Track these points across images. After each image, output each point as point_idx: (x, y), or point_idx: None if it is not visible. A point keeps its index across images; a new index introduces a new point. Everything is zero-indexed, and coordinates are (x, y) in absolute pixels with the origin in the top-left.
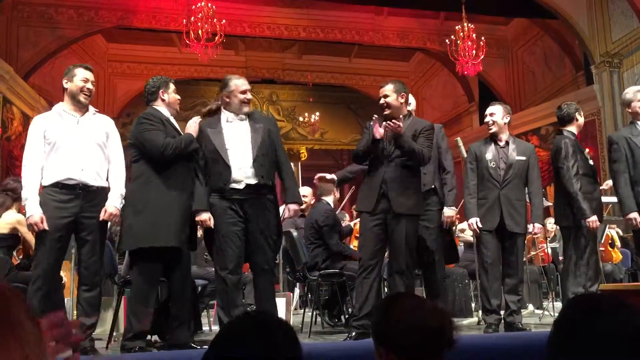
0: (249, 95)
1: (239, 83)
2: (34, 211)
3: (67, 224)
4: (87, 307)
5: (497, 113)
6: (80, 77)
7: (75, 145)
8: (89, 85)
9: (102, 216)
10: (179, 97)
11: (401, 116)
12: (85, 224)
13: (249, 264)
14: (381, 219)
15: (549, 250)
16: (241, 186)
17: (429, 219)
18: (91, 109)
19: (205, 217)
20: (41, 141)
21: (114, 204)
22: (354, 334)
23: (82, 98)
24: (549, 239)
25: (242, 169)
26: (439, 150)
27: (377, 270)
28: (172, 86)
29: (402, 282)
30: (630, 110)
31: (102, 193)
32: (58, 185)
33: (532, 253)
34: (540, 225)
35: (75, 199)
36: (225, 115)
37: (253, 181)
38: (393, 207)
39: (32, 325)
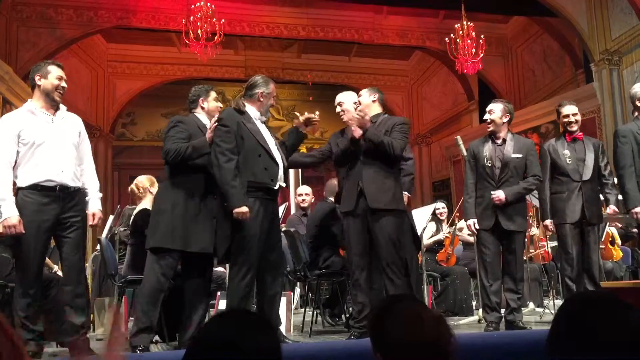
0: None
1: (274, 88)
2: (12, 213)
3: (49, 227)
4: (77, 307)
5: (495, 111)
6: (55, 75)
7: (54, 146)
8: (64, 84)
9: (91, 222)
10: (220, 104)
11: (372, 113)
12: (66, 223)
13: (262, 263)
14: (363, 219)
15: (549, 249)
16: (276, 186)
17: None
18: (62, 107)
19: (246, 210)
20: (14, 141)
21: (97, 206)
22: (356, 333)
23: (56, 96)
24: (548, 236)
25: (281, 170)
26: None
27: (367, 271)
28: (212, 94)
29: (391, 282)
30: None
31: (79, 193)
32: (37, 188)
33: (532, 252)
34: (503, 195)
35: (54, 201)
36: (253, 113)
37: (283, 184)
38: (369, 202)
39: (12, 349)
